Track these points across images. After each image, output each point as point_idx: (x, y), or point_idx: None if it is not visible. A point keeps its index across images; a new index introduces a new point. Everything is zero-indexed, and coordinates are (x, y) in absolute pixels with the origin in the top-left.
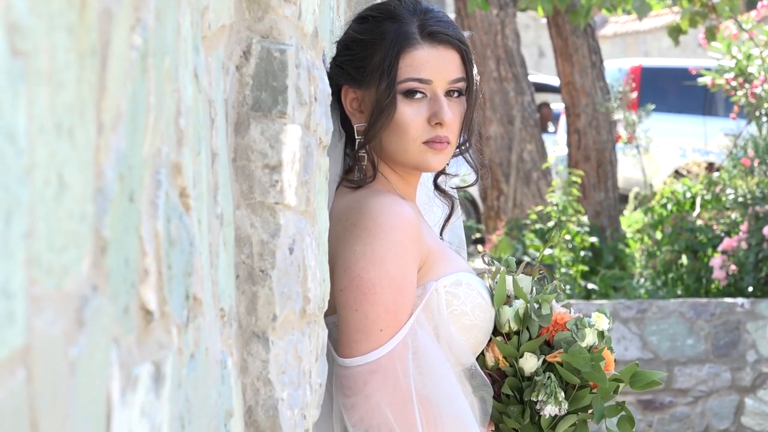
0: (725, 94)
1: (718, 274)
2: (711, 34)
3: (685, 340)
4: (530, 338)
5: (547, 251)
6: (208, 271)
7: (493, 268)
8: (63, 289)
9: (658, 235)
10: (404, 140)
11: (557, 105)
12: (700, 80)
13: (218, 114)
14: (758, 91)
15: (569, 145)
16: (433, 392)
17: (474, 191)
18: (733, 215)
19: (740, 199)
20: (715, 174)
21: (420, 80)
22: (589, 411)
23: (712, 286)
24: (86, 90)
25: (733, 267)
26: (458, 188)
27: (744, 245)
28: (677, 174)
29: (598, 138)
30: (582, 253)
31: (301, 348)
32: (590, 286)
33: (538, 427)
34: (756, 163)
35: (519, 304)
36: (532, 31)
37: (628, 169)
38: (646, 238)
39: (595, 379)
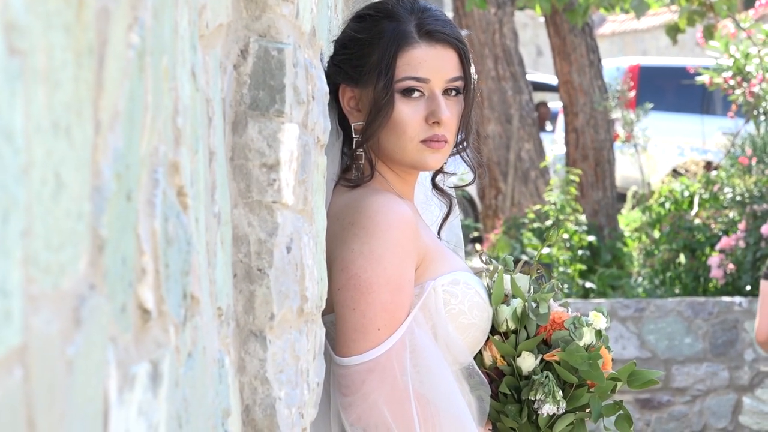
0: (723, 93)
1: (715, 272)
2: (709, 33)
3: (683, 338)
4: (528, 337)
5: (545, 250)
6: (206, 269)
7: (491, 267)
8: (60, 288)
9: (656, 234)
10: (402, 139)
11: (555, 104)
12: (698, 79)
13: (216, 113)
14: (756, 89)
15: (567, 143)
16: (431, 391)
17: (472, 190)
18: (731, 214)
19: (738, 198)
20: (713, 173)
21: (417, 79)
22: (587, 410)
23: (710, 284)
24: (83, 89)
25: (731, 266)
26: (456, 187)
27: (742, 244)
28: (675, 173)
29: (596, 137)
30: (580, 252)
31: (299, 347)
32: (588, 284)
33: (536, 426)
34: (754, 162)
35: (517, 303)
36: (530, 30)
37: (626, 168)
38: (644, 237)
39: (592, 377)
